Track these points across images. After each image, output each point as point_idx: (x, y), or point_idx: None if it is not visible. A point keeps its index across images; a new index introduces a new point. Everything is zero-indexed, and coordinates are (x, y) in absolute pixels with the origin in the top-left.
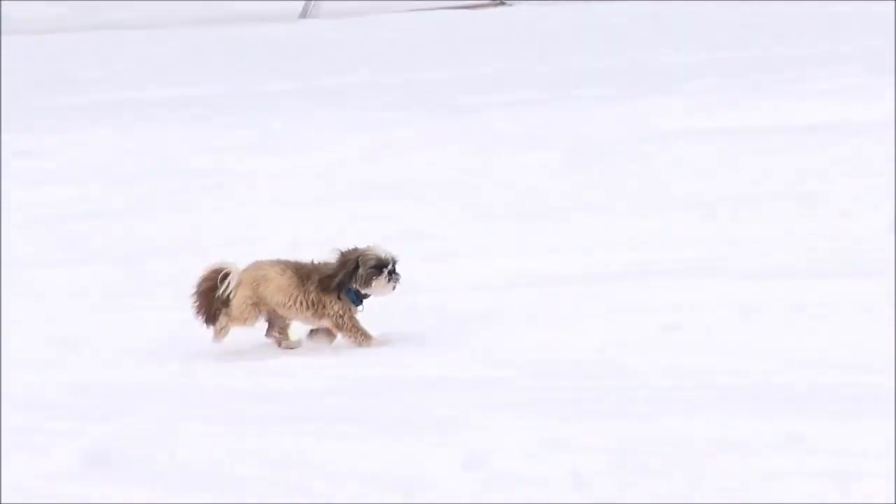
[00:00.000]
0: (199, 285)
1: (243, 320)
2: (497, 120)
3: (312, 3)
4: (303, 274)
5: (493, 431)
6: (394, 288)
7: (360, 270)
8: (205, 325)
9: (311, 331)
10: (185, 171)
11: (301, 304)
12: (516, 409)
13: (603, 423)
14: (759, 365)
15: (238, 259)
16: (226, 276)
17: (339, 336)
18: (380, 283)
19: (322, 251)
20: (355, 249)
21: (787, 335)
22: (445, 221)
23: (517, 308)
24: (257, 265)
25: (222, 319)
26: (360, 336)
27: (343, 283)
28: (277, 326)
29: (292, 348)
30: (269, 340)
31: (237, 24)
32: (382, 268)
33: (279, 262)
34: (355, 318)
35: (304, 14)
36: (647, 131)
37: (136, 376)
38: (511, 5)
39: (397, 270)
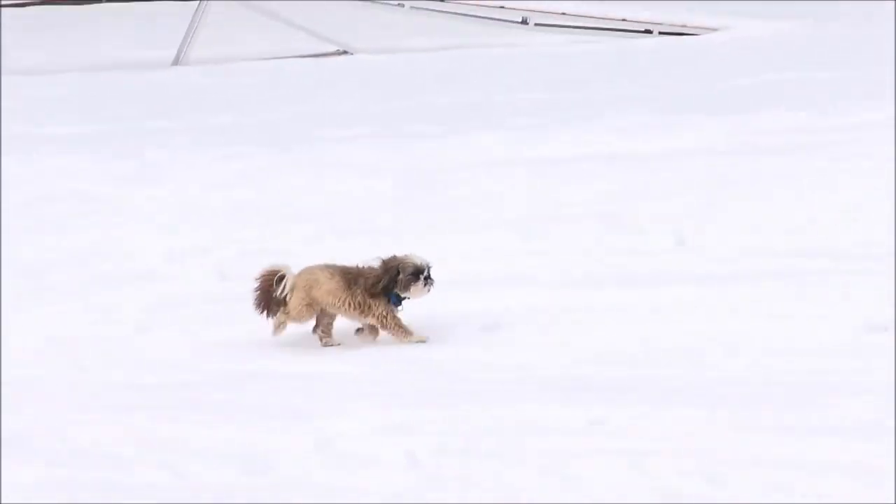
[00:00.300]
0: (258, 284)
1: (300, 319)
2: (341, 152)
3: (184, 52)
4: (349, 277)
5: (340, 418)
6: (429, 291)
7: (401, 276)
8: (263, 315)
9: (358, 329)
10: (77, 196)
11: (349, 305)
12: (360, 399)
13: (433, 411)
14: (566, 360)
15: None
16: (281, 278)
17: (384, 332)
18: (417, 287)
19: (206, 263)
20: (395, 258)
21: (589, 335)
22: (298, 239)
23: None
24: (309, 270)
25: (280, 317)
26: (402, 332)
27: (388, 287)
28: (323, 325)
29: (332, 345)
30: (315, 336)
31: (120, 71)
32: (419, 274)
33: (328, 268)
34: (398, 318)
35: (176, 61)
36: (470, 161)
37: (35, 371)
38: (353, 55)
39: (431, 276)
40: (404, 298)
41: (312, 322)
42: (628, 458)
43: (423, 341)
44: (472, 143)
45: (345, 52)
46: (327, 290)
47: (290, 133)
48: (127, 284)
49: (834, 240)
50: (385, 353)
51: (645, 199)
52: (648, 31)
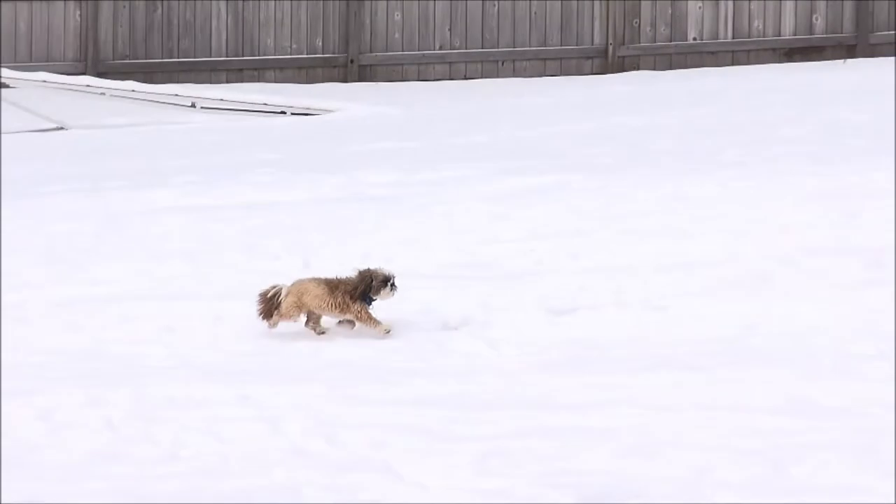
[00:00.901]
0: (261, 296)
1: (290, 317)
2: (56, 202)
3: None
4: (331, 285)
5: (55, 394)
6: (393, 295)
7: (374, 283)
8: (262, 319)
9: (339, 322)
10: None
11: (331, 306)
12: (70, 380)
13: (124, 388)
14: (221, 352)
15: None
16: (278, 291)
17: (359, 324)
18: (386, 292)
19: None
20: (369, 269)
21: (238, 333)
22: (25, 264)
23: (71, 317)
24: (300, 282)
25: (274, 317)
26: (373, 323)
27: (364, 292)
28: (313, 320)
29: (322, 333)
30: (307, 328)
31: None
32: (387, 282)
33: (314, 279)
34: (370, 314)
35: None
36: (152, 208)
37: None
38: (67, 130)
39: (396, 284)
40: (374, 300)
41: (303, 319)
42: (268, 424)
43: (388, 331)
44: (153, 195)
45: (61, 128)
46: (315, 296)
47: (18, 188)
48: None
49: (421, 262)
50: (87, 348)
51: (279, 235)
52: (283, 112)
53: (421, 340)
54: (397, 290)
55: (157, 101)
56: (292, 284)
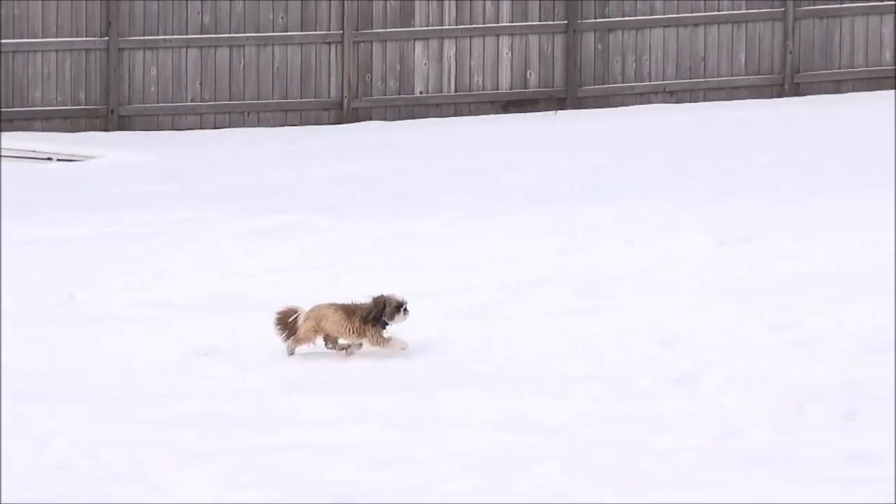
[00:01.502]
0: (279, 317)
1: (307, 341)
2: None
3: None
4: (348, 311)
5: None
6: (406, 319)
7: (388, 308)
8: (284, 339)
9: (342, 348)
10: None
11: (349, 331)
12: None
13: None
14: (54, 368)
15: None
16: (295, 311)
17: (372, 346)
18: (399, 316)
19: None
20: (382, 296)
21: (68, 350)
22: None
23: None
24: (318, 308)
25: (290, 342)
26: (387, 344)
27: (378, 316)
28: (331, 341)
29: (345, 350)
30: (328, 348)
31: None
32: (401, 307)
33: (332, 305)
34: (383, 336)
35: None
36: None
37: None
38: None
39: (408, 308)
40: (388, 324)
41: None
42: (36, 441)
43: (403, 347)
44: (9, 227)
45: None
46: (333, 322)
47: None
48: None
49: (175, 293)
50: None
51: (44, 269)
52: (50, 158)
53: (176, 365)
54: (409, 314)
55: None
56: (310, 310)
